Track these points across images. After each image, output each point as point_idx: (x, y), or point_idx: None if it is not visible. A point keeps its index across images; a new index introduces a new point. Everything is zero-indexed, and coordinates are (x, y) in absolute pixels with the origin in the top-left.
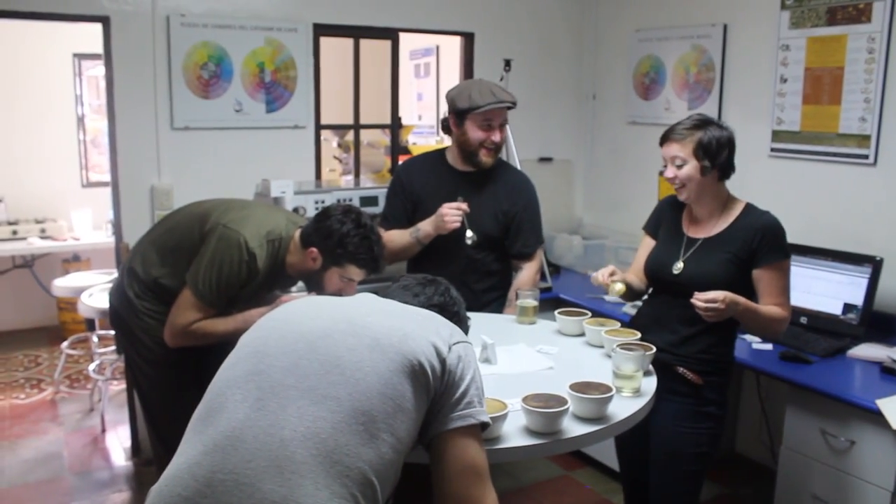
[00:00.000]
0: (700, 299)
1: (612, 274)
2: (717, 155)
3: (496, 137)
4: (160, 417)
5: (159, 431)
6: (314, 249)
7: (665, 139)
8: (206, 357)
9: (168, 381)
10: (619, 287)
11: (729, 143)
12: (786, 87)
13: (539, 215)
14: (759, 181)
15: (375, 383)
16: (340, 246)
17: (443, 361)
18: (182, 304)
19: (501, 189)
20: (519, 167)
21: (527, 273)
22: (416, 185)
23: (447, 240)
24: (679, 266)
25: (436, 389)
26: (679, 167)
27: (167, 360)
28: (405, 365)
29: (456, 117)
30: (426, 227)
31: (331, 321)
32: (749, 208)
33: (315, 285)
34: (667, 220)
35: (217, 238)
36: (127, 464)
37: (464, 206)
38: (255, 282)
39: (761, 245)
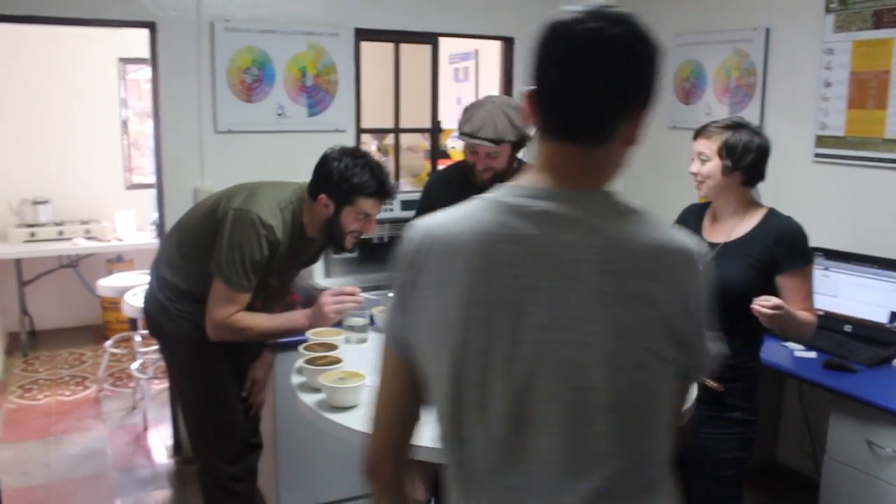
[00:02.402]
0: (766, 305)
1: None
2: (741, 158)
3: (481, 165)
4: (205, 428)
5: (207, 439)
6: (323, 196)
7: (697, 134)
8: (241, 361)
9: (207, 389)
10: None
11: (758, 149)
12: (830, 91)
13: None
14: (802, 187)
15: None
16: (344, 181)
17: None
18: (215, 295)
19: None
20: None
21: None
22: (439, 200)
23: None
24: None
25: None
26: (703, 163)
27: (204, 364)
28: None
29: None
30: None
31: None
32: (771, 213)
33: (336, 236)
34: (687, 228)
35: (231, 222)
36: (168, 462)
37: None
38: (280, 254)
39: (783, 251)
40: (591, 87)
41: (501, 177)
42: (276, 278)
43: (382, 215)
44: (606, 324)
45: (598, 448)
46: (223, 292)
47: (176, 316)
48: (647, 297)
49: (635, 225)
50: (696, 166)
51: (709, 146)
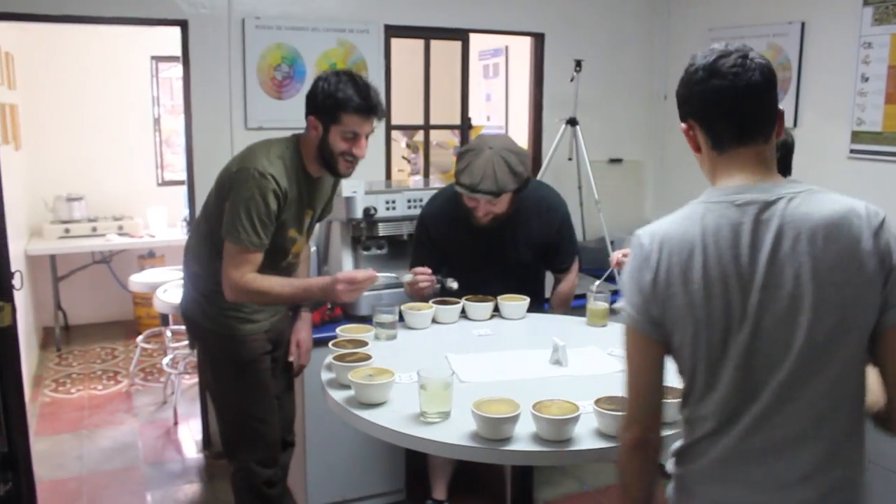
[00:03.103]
0: None
1: (625, 255)
2: None
3: (481, 212)
4: (242, 431)
5: (243, 442)
6: (311, 117)
7: None
8: (279, 358)
9: (247, 389)
10: None
11: (781, 146)
12: (867, 86)
13: (573, 230)
14: (837, 183)
15: None
16: (328, 97)
17: None
18: (228, 257)
19: (534, 220)
20: (589, 168)
21: (568, 283)
22: (441, 237)
23: (490, 259)
24: None
25: None
26: None
27: (243, 363)
28: None
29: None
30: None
31: None
32: None
33: (329, 160)
34: None
35: (234, 185)
36: (198, 456)
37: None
38: (290, 201)
39: None
40: (759, 102)
41: (501, 215)
42: (296, 229)
43: (411, 211)
44: (807, 278)
45: (803, 379)
46: (234, 252)
47: (215, 315)
48: (837, 256)
49: (817, 200)
50: None
51: None
